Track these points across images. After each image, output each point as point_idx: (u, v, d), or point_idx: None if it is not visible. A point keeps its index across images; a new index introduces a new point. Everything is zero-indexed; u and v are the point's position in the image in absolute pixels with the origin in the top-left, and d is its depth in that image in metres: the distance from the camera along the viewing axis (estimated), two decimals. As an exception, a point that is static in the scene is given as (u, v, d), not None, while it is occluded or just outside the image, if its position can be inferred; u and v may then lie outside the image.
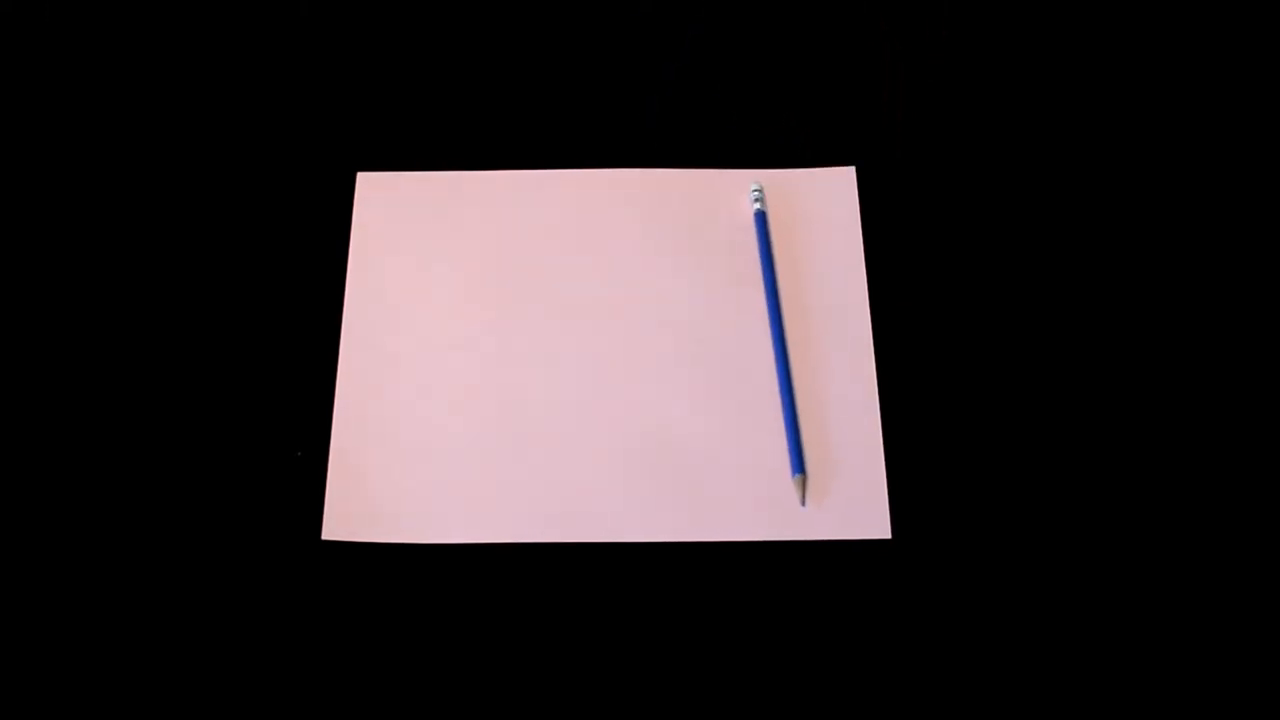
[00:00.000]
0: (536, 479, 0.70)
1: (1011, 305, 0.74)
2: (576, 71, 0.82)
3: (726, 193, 0.78)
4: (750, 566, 0.67)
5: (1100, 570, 0.67)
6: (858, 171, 0.78)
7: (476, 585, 0.67)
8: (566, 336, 0.74)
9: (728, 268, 0.75)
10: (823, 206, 0.77)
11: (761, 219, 0.76)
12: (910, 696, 0.64)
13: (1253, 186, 0.77)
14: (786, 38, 0.83)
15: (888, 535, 0.68)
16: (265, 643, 0.66)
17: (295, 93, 0.81)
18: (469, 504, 0.69)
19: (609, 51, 0.82)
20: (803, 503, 0.69)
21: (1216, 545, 0.68)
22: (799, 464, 0.69)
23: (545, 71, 0.82)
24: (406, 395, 0.72)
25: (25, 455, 0.70)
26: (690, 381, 0.72)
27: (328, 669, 0.65)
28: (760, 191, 0.77)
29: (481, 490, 0.69)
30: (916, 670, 0.65)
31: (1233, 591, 0.67)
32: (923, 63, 0.82)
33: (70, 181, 0.78)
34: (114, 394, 0.71)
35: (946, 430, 0.70)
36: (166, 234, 0.76)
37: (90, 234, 0.76)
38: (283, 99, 0.80)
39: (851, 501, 0.69)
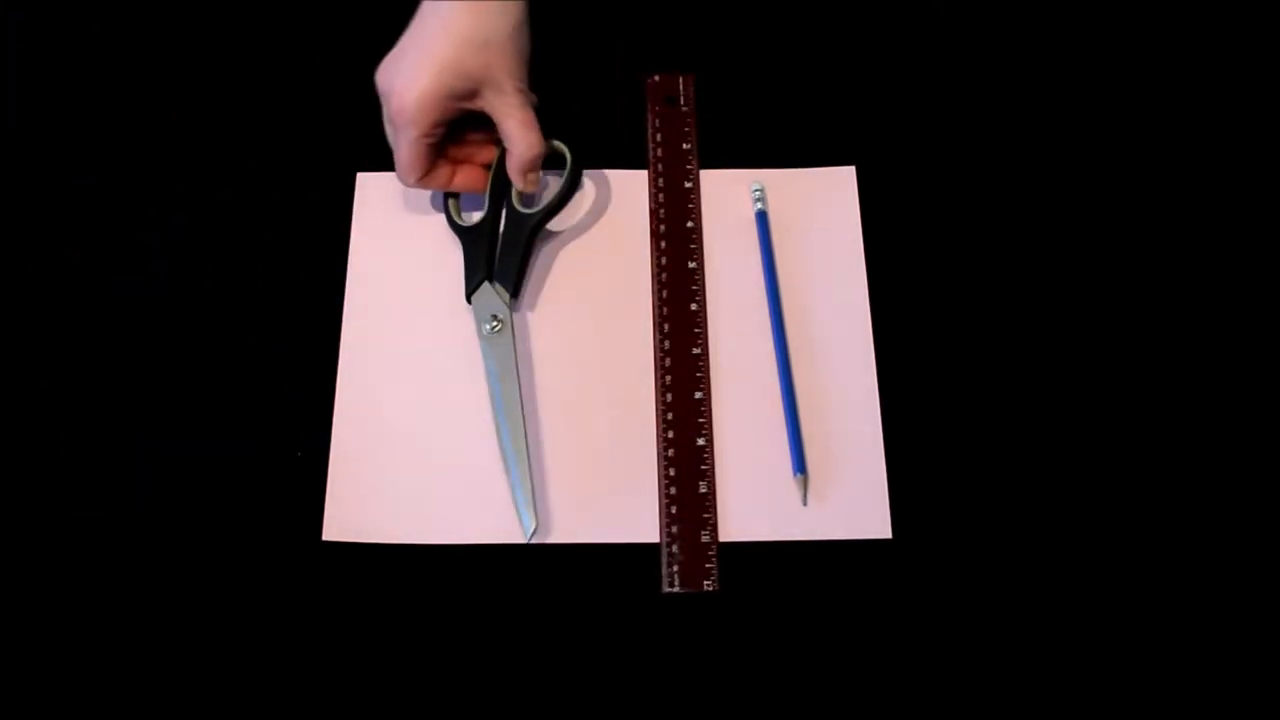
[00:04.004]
0: (537, 479, 0.69)
1: (1011, 305, 0.74)
2: (575, 72, 0.81)
3: (727, 193, 0.78)
4: (752, 566, 0.67)
5: (1099, 570, 0.67)
6: (858, 171, 0.78)
7: (476, 586, 0.67)
8: (565, 336, 0.74)
9: (728, 267, 0.75)
10: (823, 206, 0.77)
11: (762, 219, 0.76)
12: (910, 695, 0.65)
13: (1254, 186, 0.77)
14: (786, 37, 0.83)
15: (888, 535, 0.68)
16: (265, 643, 0.66)
17: (296, 94, 0.81)
18: (469, 505, 0.69)
19: (608, 52, 0.82)
20: (804, 502, 0.69)
21: (1215, 541, 0.68)
22: (800, 464, 0.69)
23: (544, 72, 0.82)
24: (406, 396, 0.72)
25: (26, 454, 0.70)
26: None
27: (328, 669, 0.65)
28: (760, 191, 0.77)
29: (481, 491, 0.69)
30: (916, 669, 0.65)
31: (1232, 591, 0.67)
32: (923, 63, 0.82)
33: (71, 181, 0.78)
34: (115, 394, 0.71)
35: (946, 430, 0.70)
36: (167, 234, 0.76)
37: (91, 234, 0.76)
38: (284, 100, 0.80)
39: (852, 501, 0.69)
